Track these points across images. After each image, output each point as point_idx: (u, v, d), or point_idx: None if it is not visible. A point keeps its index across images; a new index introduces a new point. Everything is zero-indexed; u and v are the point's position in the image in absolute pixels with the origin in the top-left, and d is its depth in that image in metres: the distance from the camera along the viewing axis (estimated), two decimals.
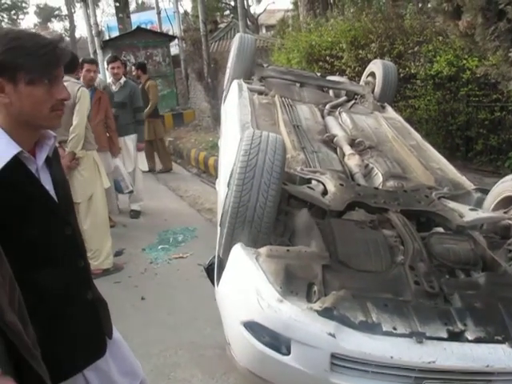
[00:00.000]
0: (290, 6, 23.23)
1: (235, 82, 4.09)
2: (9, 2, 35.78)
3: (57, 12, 36.77)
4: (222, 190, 2.72)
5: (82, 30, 40.11)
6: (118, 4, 14.69)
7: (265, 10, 26.90)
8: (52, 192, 1.36)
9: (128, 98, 5.42)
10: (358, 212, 2.46)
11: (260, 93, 4.06)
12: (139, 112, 5.60)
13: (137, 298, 3.53)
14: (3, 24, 36.37)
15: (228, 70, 4.64)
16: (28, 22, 57.17)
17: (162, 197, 6.10)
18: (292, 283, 1.81)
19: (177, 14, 13.67)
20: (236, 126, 3.19)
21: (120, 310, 3.34)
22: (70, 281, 1.42)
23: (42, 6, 36.54)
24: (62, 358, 1.37)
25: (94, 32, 12.86)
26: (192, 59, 10.53)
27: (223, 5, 26.62)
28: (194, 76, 10.70)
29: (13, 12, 36.18)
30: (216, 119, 9.60)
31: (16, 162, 1.24)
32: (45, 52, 1.22)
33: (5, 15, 36.16)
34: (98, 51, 12.24)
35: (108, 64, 5.70)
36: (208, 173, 7.51)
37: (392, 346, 1.65)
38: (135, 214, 5.34)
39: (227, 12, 26.92)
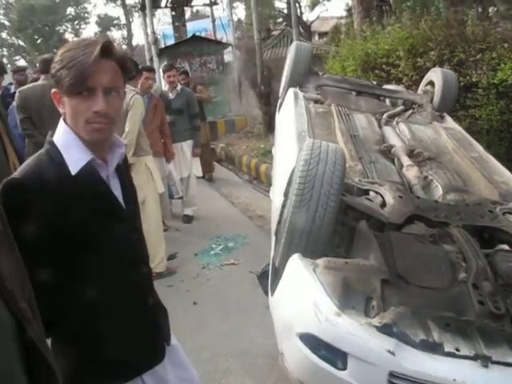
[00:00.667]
0: (344, 13, 23.09)
1: (291, 91, 4.09)
2: (73, 13, 37.61)
3: (116, 21, 38.20)
4: (278, 198, 2.71)
5: (138, 38, 41.53)
6: (174, 13, 15.12)
7: (318, 17, 26.81)
8: (120, 198, 1.41)
9: (185, 104, 5.56)
10: (418, 225, 2.39)
11: (316, 101, 4.04)
12: (195, 118, 5.73)
13: (189, 302, 3.59)
14: (67, 34, 38.31)
15: (283, 78, 4.65)
16: (89, 31, 59.68)
17: (215, 202, 6.19)
18: (350, 297, 1.78)
19: (231, 22, 13.85)
20: (292, 134, 3.18)
21: (172, 313, 3.36)
22: (134, 286, 1.46)
23: (102, 16, 38.02)
24: (123, 360, 1.42)
25: (150, 40, 13.30)
26: (245, 67, 10.65)
27: (276, 12, 26.79)
28: (247, 83, 10.81)
29: (76, 22, 38.00)
30: (268, 126, 9.66)
31: (89, 168, 1.30)
32: (73, 64, 1.22)
33: (69, 25, 38.03)
34: (155, 59, 12.61)
35: (164, 72, 5.86)
36: (259, 179, 7.56)
37: (455, 368, 1.58)
38: (188, 219, 5.44)
39: (280, 19, 27.06)
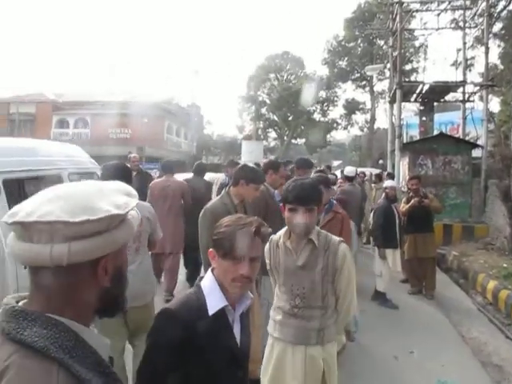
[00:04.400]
0: None
1: None
2: (324, 96, 40.97)
3: (361, 106, 39.94)
4: None
5: (380, 123, 42.49)
6: (422, 108, 14.95)
7: None
8: (238, 340, 1.71)
9: None
10: None
11: None
12: None
13: None
14: (315, 114, 41.76)
15: None
16: (335, 113, 64.07)
17: (441, 331, 5.43)
18: None
19: (485, 122, 12.91)
20: None
21: None
22: None
23: (349, 100, 40.27)
24: None
25: (394, 133, 13.32)
26: (497, 173, 9.65)
27: None
28: (497, 192, 9.72)
29: (325, 104, 41.22)
30: None
31: (221, 312, 1.67)
32: (232, 239, 1.65)
33: (318, 106, 41.48)
34: (396, 152, 12.54)
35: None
36: (496, 307, 6.51)
37: None
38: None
39: None
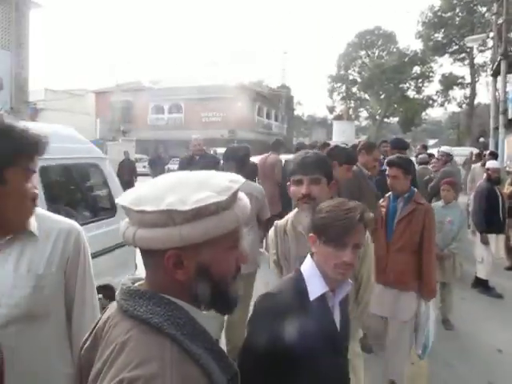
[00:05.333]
0: None
1: None
2: (418, 72, 38.97)
3: (460, 80, 37.38)
4: None
5: (480, 98, 39.50)
6: None
7: None
8: (337, 326, 1.69)
9: None
10: None
11: None
12: None
13: None
14: (409, 91, 39.91)
15: None
16: (431, 89, 60.61)
17: None
18: None
19: None
20: None
21: None
22: None
23: (446, 74, 37.84)
24: None
25: (500, 108, 12.31)
26: None
27: None
28: None
29: (419, 80, 39.21)
30: None
31: (322, 297, 1.65)
32: (337, 224, 1.59)
33: (412, 83, 39.58)
34: (500, 130, 11.64)
35: None
36: None
37: None
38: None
39: None
